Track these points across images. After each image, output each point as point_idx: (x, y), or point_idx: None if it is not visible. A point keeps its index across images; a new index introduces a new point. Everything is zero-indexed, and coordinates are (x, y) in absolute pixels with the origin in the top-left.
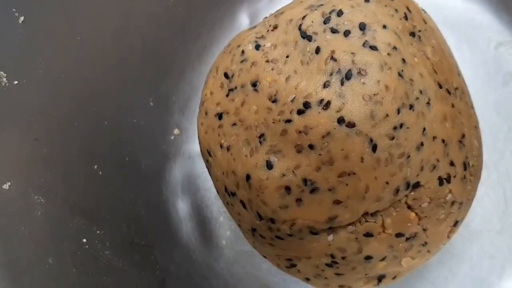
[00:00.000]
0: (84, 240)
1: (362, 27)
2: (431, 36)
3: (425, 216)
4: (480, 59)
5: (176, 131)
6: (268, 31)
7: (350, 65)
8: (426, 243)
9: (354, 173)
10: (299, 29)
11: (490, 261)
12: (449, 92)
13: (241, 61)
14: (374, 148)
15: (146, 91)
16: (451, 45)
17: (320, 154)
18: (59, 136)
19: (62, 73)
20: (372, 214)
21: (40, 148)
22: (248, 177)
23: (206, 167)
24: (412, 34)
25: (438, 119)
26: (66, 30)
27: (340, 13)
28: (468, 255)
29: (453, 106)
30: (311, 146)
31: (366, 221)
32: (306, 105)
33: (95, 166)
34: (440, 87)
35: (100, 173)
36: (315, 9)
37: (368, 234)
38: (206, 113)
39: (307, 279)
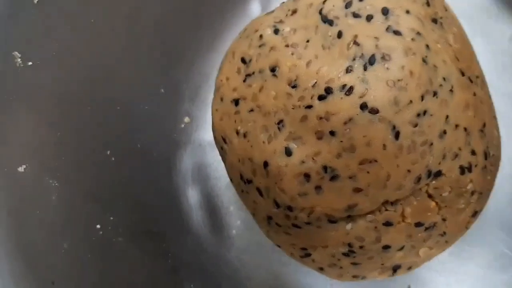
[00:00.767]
0: (98, 226)
1: (385, 11)
2: (452, 24)
3: (445, 206)
4: (494, 50)
5: (186, 120)
6: (287, 15)
7: (374, 50)
8: (444, 233)
9: (376, 161)
10: (320, 13)
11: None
12: (471, 80)
13: (259, 46)
14: (397, 135)
15: (157, 77)
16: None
17: (341, 141)
18: (72, 120)
19: (75, 55)
20: (392, 203)
21: (54, 132)
22: (266, 164)
23: (220, 154)
24: (434, 20)
25: (460, 107)
26: (80, 12)
27: None
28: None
29: (474, 94)
30: (332, 133)
31: (386, 210)
32: (328, 90)
33: (108, 152)
34: (463, 74)
35: (113, 159)
36: None
37: (388, 223)
38: (222, 99)
39: (321, 269)
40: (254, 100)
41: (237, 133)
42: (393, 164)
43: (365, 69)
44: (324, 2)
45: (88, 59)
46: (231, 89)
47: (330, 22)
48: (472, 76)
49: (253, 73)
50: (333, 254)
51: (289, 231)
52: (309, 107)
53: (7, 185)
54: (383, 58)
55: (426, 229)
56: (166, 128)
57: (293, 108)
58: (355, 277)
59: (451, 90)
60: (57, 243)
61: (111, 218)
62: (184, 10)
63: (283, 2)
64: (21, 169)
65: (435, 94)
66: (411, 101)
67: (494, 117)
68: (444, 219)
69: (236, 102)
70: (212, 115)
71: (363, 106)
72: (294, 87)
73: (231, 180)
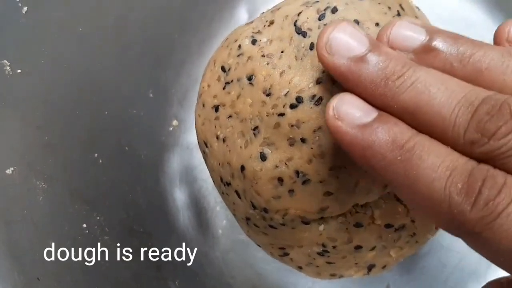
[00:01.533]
0: (84, 226)
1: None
2: None
3: (413, 209)
4: None
5: (175, 123)
6: (264, 26)
7: None
8: (414, 234)
9: (345, 167)
10: (295, 25)
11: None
12: None
13: (238, 55)
14: None
15: (146, 82)
16: None
17: (311, 148)
18: (61, 125)
19: (64, 63)
20: (362, 206)
21: (42, 135)
22: (242, 168)
23: (203, 157)
24: None
25: None
26: (68, 20)
27: (334, 10)
28: (457, 246)
29: None
30: (303, 140)
31: (356, 212)
32: (299, 99)
33: (96, 155)
34: None
35: (100, 161)
36: (311, 6)
37: (358, 225)
38: (203, 105)
39: (300, 268)
40: (232, 107)
41: (217, 138)
42: (361, 170)
43: (333, 82)
44: (299, 14)
45: (77, 66)
46: (212, 95)
47: (304, 34)
48: None
49: (232, 81)
50: (309, 254)
51: (266, 232)
52: (281, 115)
53: None
54: None
55: (396, 230)
56: (154, 131)
57: (267, 116)
58: (332, 275)
59: None
60: (43, 241)
61: (98, 217)
62: (172, 17)
63: (263, 13)
64: (9, 171)
65: None
66: None
67: None
68: (413, 221)
69: (216, 108)
70: (195, 119)
71: None
72: (268, 95)
73: (213, 182)
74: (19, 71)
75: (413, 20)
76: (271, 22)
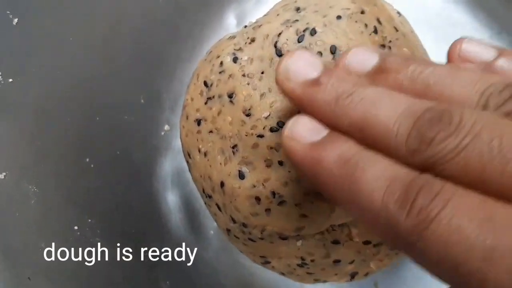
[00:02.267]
0: (76, 228)
1: (333, 50)
2: (402, 44)
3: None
4: None
5: (166, 127)
6: (246, 43)
7: None
8: None
9: (320, 193)
10: (275, 46)
11: None
12: None
13: (219, 72)
14: None
15: (137, 89)
16: (429, 41)
17: (289, 171)
18: (52, 131)
19: (55, 71)
20: (339, 225)
21: (34, 141)
22: (222, 184)
23: (188, 166)
24: (383, 46)
25: None
26: (59, 31)
27: (313, 32)
28: None
29: None
30: (280, 163)
31: (333, 230)
32: (280, 124)
33: (87, 159)
34: None
35: (92, 166)
36: (290, 26)
37: (336, 242)
38: (187, 117)
39: (283, 274)
40: (213, 122)
41: (199, 151)
42: None
43: None
44: (279, 35)
45: (68, 74)
46: (195, 109)
47: None
48: None
49: (213, 97)
50: (289, 264)
51: (246, 243)
52: (260, 136)
53: None
54: None
55: (375, 245)
56: (147, 135)
57: (246, 135)
58: (316, 280)
59: None
60: (36, 243)
61: (89, 220)
62: (163, 25)
63: (245, 26)
64: (1, 176)
65: None
66: None
67: None
68: None
69: (199, 122)
70: (180, 130)
71: None
72: (248, 115)
73: (198, 190)
74: (10, 80)
75: (368, 47)
76: (252, 40)
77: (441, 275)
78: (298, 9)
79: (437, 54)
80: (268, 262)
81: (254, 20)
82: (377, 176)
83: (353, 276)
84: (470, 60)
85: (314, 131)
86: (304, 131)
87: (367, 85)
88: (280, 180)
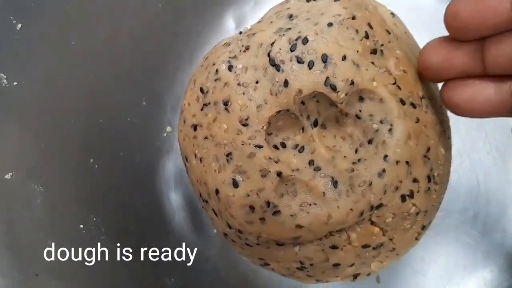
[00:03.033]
0: (81, 226)
1: (325, 59)
2: (395, 46)
3: (390, 229)
4: None
5: (168, 129)
6: (240, 51)
7: (316, 114)
8: (394, 248)
9: (316, 204)
10: (268, 55)
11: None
12: (413, 106)
13: (215, 80)
14: (335, 184)
15: (139, 91)
16: (424, 41)
17: (286, 184)
18: (57, 132)
19: (59, 75)
20: (337, 231)
21: (39, 143)
22: (217, 191)
23: (185, 169)
24: (374, 51)
25: (401, 142)
26: (61, 35)
27: (305, 41)
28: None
29: (418, 120)
30: (279, 174)
31: (331, 235)
32: (283, 144)
33: (91, 160)
34: (404, 103)
35: (96, 166)
36: (283, 34)
37: (334, 247)
38: (184, 122)
39: (283, 275)
40: (209, 129)
41: (195, 156)
42: (333, 207)
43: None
44: (272, 44)
45: (71, 77)
46: (191, 114)
47: (278, 67)
48: (415, 100)
49: (209, 103)
50: (288, 267)
51: (243, 247)
52: (259, 146)
53: None
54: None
55: (374, 248)
56: (149, 137)
57: (242, 144)
58: (318, 281)
59: (390, 130)
60: (42, 241)
61: (94, 219)
62: (163, 27)
63: (241, 32)
64: (8, 176)
65: (370, 141)
66: (344, 156)
67: (444, 131)
68: (391, 239)
69: (195, 127)
70: (178, 133)
71: (311, 163)
72: (245, 125)
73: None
74: (15, 83)
75: None
76: (247, 48)
77: None
78: (291, 16)
79: None
80: (268, 264)
81: (249, 27)
82: None
83: (355, 276)
84: None
85: None
86: None
87: None
88: (275, 191)
